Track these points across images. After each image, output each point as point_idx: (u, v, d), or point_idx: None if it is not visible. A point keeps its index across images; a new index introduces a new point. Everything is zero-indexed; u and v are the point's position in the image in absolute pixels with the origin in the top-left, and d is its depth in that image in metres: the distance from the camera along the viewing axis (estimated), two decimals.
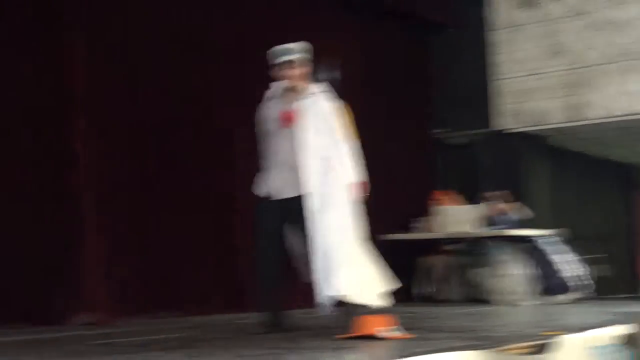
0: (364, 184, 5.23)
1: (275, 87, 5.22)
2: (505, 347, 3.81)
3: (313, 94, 5.15)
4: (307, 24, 8.92)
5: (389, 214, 9.81)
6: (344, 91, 9.07)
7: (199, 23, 7.61)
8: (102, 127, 6.55)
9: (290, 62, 5.14)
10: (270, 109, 5.17)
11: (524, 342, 4.02)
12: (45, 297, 5.98)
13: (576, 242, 9.53)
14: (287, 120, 5.04)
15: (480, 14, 10.70)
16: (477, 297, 9.07)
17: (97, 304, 6.15)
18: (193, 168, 7.38)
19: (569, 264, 8.78)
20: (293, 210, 4.95)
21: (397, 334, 4.56)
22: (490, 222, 9.21)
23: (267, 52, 5.20)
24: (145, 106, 7.01)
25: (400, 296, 9.15)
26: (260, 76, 7.99)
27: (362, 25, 9.81)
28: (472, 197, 9.99)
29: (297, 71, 5.14)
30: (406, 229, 9.63)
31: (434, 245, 9.57)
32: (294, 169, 4.99)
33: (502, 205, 9.25)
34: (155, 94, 7.08)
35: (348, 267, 4.78)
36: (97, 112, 6.51)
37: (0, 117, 5.97)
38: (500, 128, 10.49)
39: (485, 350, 3.68)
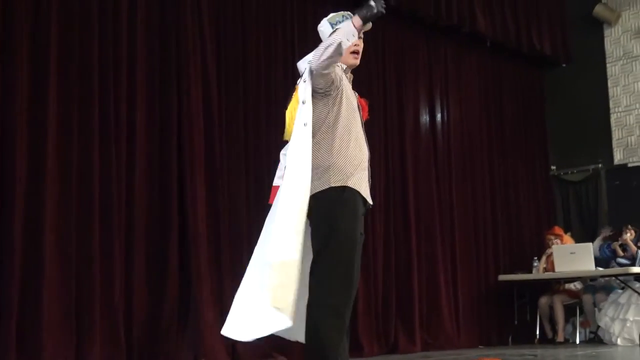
0: None
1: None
2: None
3: None
4: (425, 62, 9.14)
5: (509, 254, 9.77)
6: (464, 128, 9.37)
7: None
8: (216, 166, 6.78)
9: (363, 34, 4.00)
10: (349, 89, 3.94)
11: None
12: (162, 344, 6.15)
13: None
14: (365, 111, 4.04)
15: (594, 47, 10.56)
16: (598, 338, 8.83)
17: (211, 350, 6.29)
18: None
19: None
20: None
21: None
22: (615, 259, 8.97)
23: (331, 16, 4.06)
24: (260, 150, 7.24)
25: (522, 337, 9.18)
26: None
27: (478, 60, 9.90)
28: (592, 234, 9.79)
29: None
30: (526, 268, 9.50)
31: (554, 285, 9.39)
32: (367, 171, 3.89)
33: (627, 242, 8.98)
34: None
35: None
36: (211, 161, 6.74)
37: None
38: (619, 162, 10.26)
39: None
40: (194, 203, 6.45)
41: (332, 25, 3.99)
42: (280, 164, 4.13)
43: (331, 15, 4.05)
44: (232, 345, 6.57)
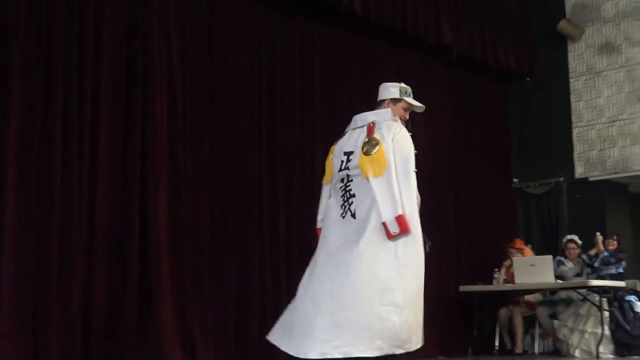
0: None
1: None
2: None
3: None
4: (392, 72, 9.20)
5: (470, 265, 9.84)
6: (428, 139, 9.43)
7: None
8: (179, 179, 6.77)
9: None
10: None
11: None
12: (121, 355, 6.09)
13: None
14: None
15: (558, 61, 10.70)
16: (557, 350, 8.93)
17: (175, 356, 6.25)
18: (269, 212, 7.57)
19: None
20: None
21: None
22: (584, 270, 9.10)
23: (401, 86, 5.13)
24: (225, 161, 7.25)
25: (482, 348, 9.25)
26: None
27: (444, 72, 9.99)
28: (553, 247, 9.89)
29: None
30: (487, 279, 9.58)
31: (514, 296, 9.48)
32: None
33: (598, 244, 9.09)
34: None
35: None
36: (175, 171, 6.73)
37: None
38: (580, 176, 10.40)
39: None
40: (156, 214, 6.43)
41: (401, 92, 5.07)
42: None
43: (403, 85, 5.13)
44: (192, 357, 6.57)
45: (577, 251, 9.22)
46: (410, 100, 5.11)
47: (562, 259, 9.30)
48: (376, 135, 4.81)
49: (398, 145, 4.78)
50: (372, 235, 4.61)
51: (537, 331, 9.22)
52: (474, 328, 9.37)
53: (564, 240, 9.44)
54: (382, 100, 5.10)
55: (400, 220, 4.57)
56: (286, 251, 7.62)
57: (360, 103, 8.64)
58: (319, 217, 5.05)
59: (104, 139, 6.24)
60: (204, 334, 6.71)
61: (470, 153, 10.21)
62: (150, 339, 6.25)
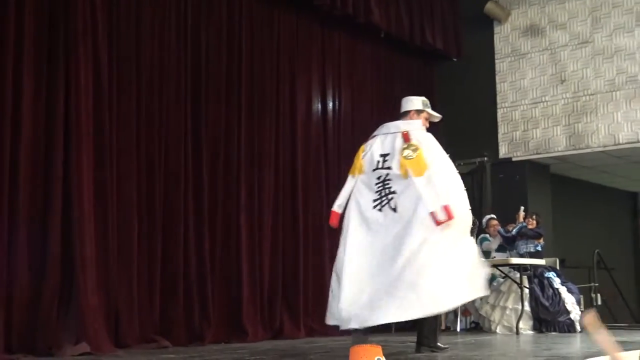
0: None
1: None
2: None
3: None
4: (319, 50, 9.20)
5: None
6: (355, 117, 9.47)
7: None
8: (104, 149, 6.65)
9: None
10: None
11: None
12: (43, 327, 5.99)
13: (579, 270, 9.52)
14: None
15: (484, 43, 10.84)
16: (477, 325, 9.09)
17: (94, 333, 6.16)
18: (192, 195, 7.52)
19: (569, 296, 8.73)
20: None
21: None
22: (505, 247, 9.26)
23: (423, 99, 5.80)
24: (152, 134, 7.15)
25: (405, 324, 9.33)
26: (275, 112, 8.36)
27: (371, 51, 10.02)
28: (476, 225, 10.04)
29: None
30: None
31: None
32: None
33: (518, 219, 9.26)
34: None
35: None
36: (100, 143, 6.60)
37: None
38: (504, 156, 10.58)
39: None
40: (80, 183, 6.29)
41: (423, 104, 5.78)
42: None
43: (424, 98, 5.85)
44: (115, 330, 6.49)
45: (499, 227, 9.40)
46: (431, 111, 5.83)
47: (486, 236, 9.48)
48: (414, 141, 5.37)
49: (437, 150, 5.49)
50: (420, 226, 5.08)
51: (459, 308, 9.35)
52: None
53: (485, 219, 9.61)
54: (408, 112, 5.74)
55: (447, 209, 5.04)
56: (210, 224, 7.59)
57: (287, 79, 8.72)
58: (338, 202, 5.47)
59: (25, 108, 6.09)
60: (129, 309, 6.63)
61: None
62: (73, 314, 6.14)
